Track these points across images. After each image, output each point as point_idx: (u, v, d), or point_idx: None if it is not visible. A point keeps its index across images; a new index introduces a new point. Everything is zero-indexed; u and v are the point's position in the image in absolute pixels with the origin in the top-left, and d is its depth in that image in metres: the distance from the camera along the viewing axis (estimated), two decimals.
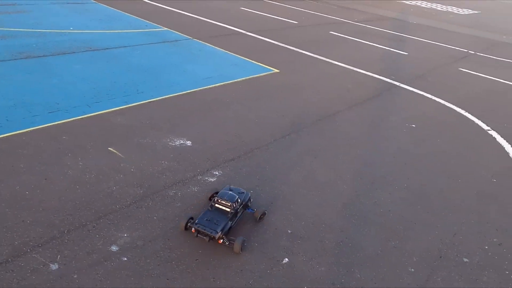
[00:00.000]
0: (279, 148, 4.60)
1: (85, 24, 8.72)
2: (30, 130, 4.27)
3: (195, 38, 8.76)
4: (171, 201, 3.46)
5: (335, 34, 11.31)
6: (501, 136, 5.72)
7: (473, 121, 6.20)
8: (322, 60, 8.50)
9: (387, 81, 7.59)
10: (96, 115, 4.81)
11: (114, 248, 2.88)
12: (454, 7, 24.67)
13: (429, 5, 24.01)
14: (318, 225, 3.41)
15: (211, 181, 3.81)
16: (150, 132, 4.56)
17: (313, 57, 8.64)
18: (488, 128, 5.98)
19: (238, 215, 3.20)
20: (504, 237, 3.59)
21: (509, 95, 7.84)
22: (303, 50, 9.05)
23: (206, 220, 3.01)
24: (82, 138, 4.26)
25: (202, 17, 11.00)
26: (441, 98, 7.00)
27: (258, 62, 7.67)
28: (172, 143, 4.39)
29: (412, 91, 7.25)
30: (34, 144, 4.03)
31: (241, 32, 9.93)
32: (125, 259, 2.80)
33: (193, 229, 2.97)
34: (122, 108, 5.05)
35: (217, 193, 3.29)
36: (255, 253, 3.02)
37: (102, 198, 3.37)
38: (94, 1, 11.24)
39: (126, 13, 10.27)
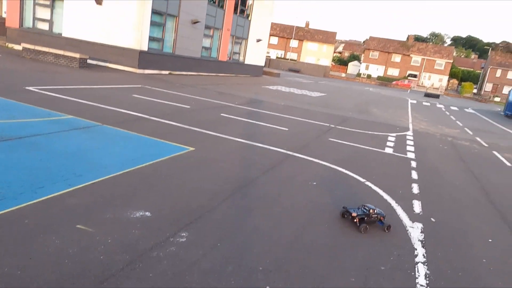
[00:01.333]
0: (224, 208, 5.46)
1: None
2: None
3: (104, 124, 9.20)
4: (158, 260, 3.97)
5: (226, 116, 12.96)
6: (375, 185, 7.65)
7: (352, 176, 8.08)
8: (225, 137, 9.81)
9: (282, 152, 9.23)
10: (47, 199, 4.96)
11: None
12: (307, 91, 29.82)
13: (287, 89, 28.57)
14: (271, 259, 4.33)
15: (182, 241, 4.43)
16: (108, 209, 4.93)
17: (217, 135, 9.90)
18: (364, 180, 7.91)
19: (372, 219, 5.52)
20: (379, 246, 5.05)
21: (368, 156, 10.28)
22: (205, 130, 10.27)
23: (352, 209, 5.59)
24: (44, 220, 4.42)
25: (101, 104, 11.46)
26: (325, 161, 8.87)
27: (173, 143, 8.52)
28: (134, 215, 4.86)
29: (304, 157, 8.99)
30: None
31: (145, 117, 10.71)
32: None
33: (342, 212, 5.77)
34: (69, 191, 5.28)
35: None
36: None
37: (95, 267, 3.69)
38: None
39: (20, 102, 10.11)
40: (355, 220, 5.47)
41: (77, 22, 22.72)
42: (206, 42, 28.91)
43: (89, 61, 21.39)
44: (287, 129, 12.33)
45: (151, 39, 22.84)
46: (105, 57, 22.51)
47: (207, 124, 11.09)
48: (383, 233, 5.50)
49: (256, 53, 37.25)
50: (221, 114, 13.14)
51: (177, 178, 6.43)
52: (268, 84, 30.61)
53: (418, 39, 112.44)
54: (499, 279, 4.77)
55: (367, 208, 5.58)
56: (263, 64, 40.23)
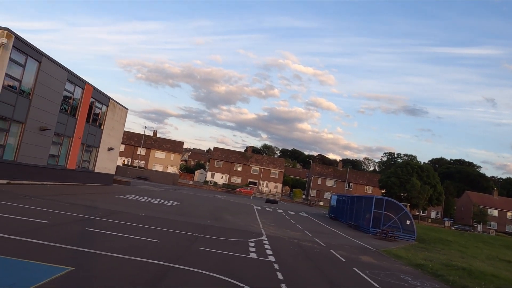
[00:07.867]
0: None
1: None
2: None
3: None
4: None
5: (93, 230, 12.49)
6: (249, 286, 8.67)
7: (233, 282, 8.93)
8: (102, 254, 9.59)
9: (163, 264, 9.53)
10: None
11: None
12: (162, 200, 30.15)
13: (143, 199, 28.42)
14: None
15: None
16: None
17: (91, 252, 9.60)
18: (243, 285, 8.84)
19: None
20: None
21: (239, 262, 11.35)
22: (77, 247, 9.82)
23: None
24: None
25: None
26: (204, 270, 9.54)
27: (48, 263, 7.99)
28: None
29: (185, 268, 9.48)
30: None
31: (2, 236, 9.65)
32: None
33: None
34: None
35: None
36: None
37: None
38: None
39: None
40: None
41: None
42: (54, 150, 27.30)
43: None
44: (158, 240, 12.59)
45: None
46: None
47: (76, 240, 10.59)
48: None
49: (107, 161, 36.45)
50: (87, 229, 12.60)
51: None
52: (121, 194, 29.85)
53: (254, 150, 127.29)
54: None
55: None
56: (113, 173, 39.26)
